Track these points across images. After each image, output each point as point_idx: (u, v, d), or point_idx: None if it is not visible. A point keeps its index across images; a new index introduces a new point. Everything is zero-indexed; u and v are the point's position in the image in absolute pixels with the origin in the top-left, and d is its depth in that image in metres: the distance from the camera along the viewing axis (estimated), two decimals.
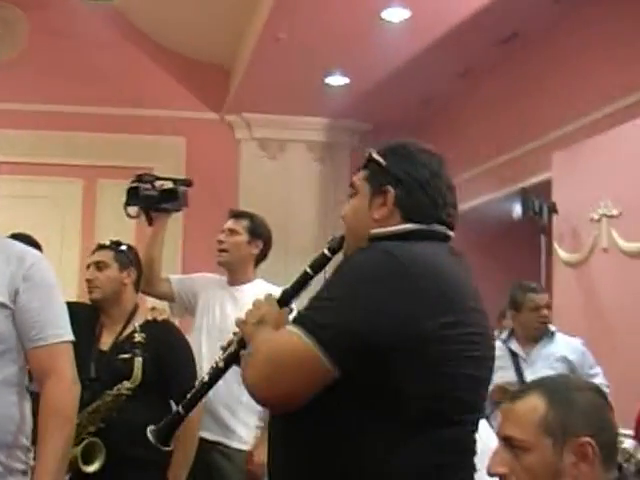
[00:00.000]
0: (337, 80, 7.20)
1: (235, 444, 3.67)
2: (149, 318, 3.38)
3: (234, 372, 2.11)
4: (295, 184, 8.20)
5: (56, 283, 2.56)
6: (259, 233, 3.86)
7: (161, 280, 3.81)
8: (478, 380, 1.90)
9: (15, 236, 3.28)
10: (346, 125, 8.29)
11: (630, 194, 5.25)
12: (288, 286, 2.11)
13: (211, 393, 3.36)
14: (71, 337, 2.52)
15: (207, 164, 8.10)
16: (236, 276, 3.84)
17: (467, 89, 7.33)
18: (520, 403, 1.68)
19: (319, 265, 2.09)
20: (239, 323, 2.03)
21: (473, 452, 1.92)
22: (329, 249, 2.10)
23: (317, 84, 7.25)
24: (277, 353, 1.82)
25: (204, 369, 3.47)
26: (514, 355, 4.57)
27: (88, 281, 3.42)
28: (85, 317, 3.27)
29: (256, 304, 2.04)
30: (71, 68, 8.04)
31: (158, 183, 3.70)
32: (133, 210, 3.67)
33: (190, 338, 3.63)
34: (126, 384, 3.23)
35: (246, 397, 3.55)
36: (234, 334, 2.09)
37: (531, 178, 6.43)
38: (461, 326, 1.83)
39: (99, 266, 3.41)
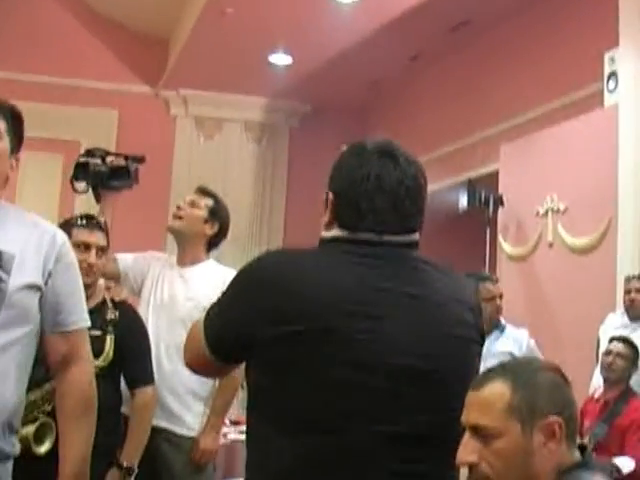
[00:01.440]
0: (280, 59, 7.32)
1: (181, 431, 3.80)
2: (106, 297, 3.50)
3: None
4: (231, 165, 8.30)
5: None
6: (219, 216, 3.95)
7: (108, 259, 3.88)
8: (354, 386, 1.87)
9: None
10: (286, 106, 8.39)
11: (577, 189, 5.49)
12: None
13: (157, 380, 3.57)
14: (89, 322, 2.51)
15: (139, 140, 8.04)
16: (185, 253, 3.91)
17: (416, 75, 7.51)
18: (484, 390, 1.76)
19: None
20: None
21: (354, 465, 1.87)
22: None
23: (260, 62, 7.35)
24: (188, 339, 2.09)
25: (161, 338, 3.70)
26: None
27: None
28: None
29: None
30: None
31: (109, 159, 3.71)
32: (81, 186, 3.68)
33: (149, 313, 3.78)
34: (95, 363, 3.30)
35: (194, 384, 3.75)
36: None
37: (478, 169, 6.66)
38: (314, 333, 1.87)
39: None
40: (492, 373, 1.79)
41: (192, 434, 3.77)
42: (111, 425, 3.45)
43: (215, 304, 2.03)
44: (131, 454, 3.51)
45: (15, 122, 2.37)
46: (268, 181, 8.38)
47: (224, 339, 1.98)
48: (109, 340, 3.34)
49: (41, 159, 8.15)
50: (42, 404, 3.23)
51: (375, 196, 1.99)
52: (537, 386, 1.76)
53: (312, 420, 1.86)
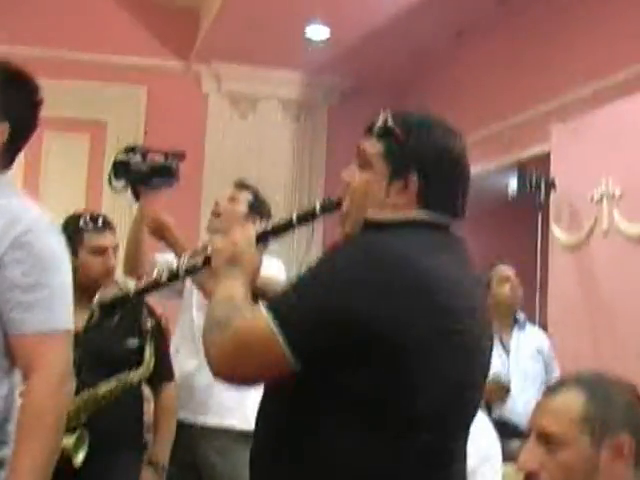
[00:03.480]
0: (318, 31, 7.34)
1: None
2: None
3: None
4: (268, 144, 8.33)
5: (62, 257, 2.36)
6: (259, 210, 4.05)
7: (148, 261, 3.97)
8: (466, 385, 2.01)
9: None
10: (324, 82, 8.40)
11: (633, 173, 5.47)
12: (269, 225, 2.28)
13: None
14: (67, 326, 2.33)
15: (170, 119, 8.13)
16: None
17: (461, 50, 7.50)
18: (558, 397, 1.81)
19: (305, 218, 2.25)
20: (213, 242, 2.21)
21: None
22: (322, 207, 2.23)
23: (296, 35, 7.37)
24: (246, 337, 1.94)
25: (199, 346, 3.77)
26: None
27: None
28: None
29: (232, 234, 2.19)
30: (19, 4, 8.00)
31: (149, 156, 3.79)
32: (119, 184, 3.76)
33: (181, 316, 3.89)
34: (134, 374, 3.44)
35: None
36: (204, 248, 2.27)
37: (528, 150, 6.64)
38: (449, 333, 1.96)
39: None
40: (567, 382, 1.86)
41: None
42: (137, 426, 3.60)
43: (290, 310, 1.94)
44: (163, 451, 3.70)
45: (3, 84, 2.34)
46: (306, 161, 8.42)
47: (323, 338, 1.93)
48: (149, 350, 3.44)
49: (66, 139, 8.24)
50: (80, 413, 3.35)
51: (458, 178, 2.11)
52: (612, 402, 1.81)
53: (425, 418, 1.93)
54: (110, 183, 3.73)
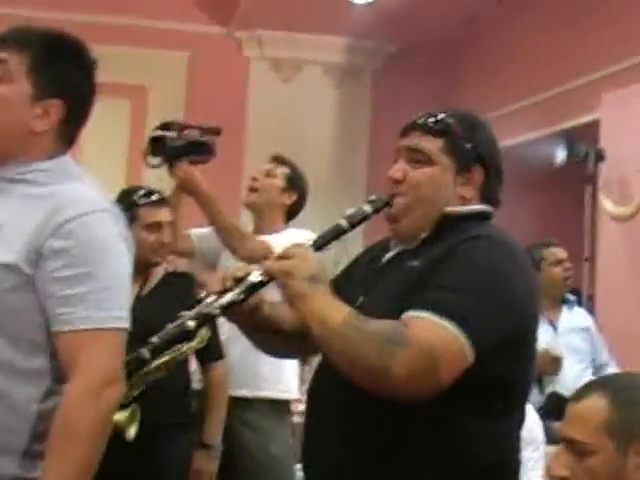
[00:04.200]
0: None
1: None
2: (169, 269, 3.65)
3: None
4: (310, 110, 8.33)
5: (115, 247, 2.18)
6: (296, 185, 4.10)
7: (182, 236, 4.02)
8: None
9: None
10: (368, 47, 8.38)
11: None
12: (319, 236, 2.30)
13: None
14: (119, 323, 2.17)
15: (212, 84, 8.18)
16: (262, 224, 4.05)
17: (510, 14, 7.43)
18: (582, 403, 1.82)
19: (357, 221, 2.28)
20: (278, 267, 2.16)
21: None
22: (373, 208, 2.27)
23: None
24: (433, 348, 1.94)
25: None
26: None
27: None
28: None
29: (301, 253, 2.18)
30: None
31: (185, 132, 3.84)
32: (154, 160, 3.80)
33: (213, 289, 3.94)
34: (188, 345, 3.47)
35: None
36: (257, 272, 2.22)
37: (576, 119, 6.60)
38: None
39: None
40: (592, 386, 1.88)
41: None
42: (185, 403, 3.65)
43: (464, 311, 1.99)
44: (214, 432, 3.74)
45: (51, 58, 2.22)
46: (349, 127, 8.42)
47: (504, 339, 2.05)
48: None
49: (107, 105, 8.24)
50: (130, 389, 3.40)
51: (502, 171, 2.29)
52: (638, 406, 1.80)
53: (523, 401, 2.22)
54: (146, 159, 3.77)
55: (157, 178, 4.26)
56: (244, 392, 3.96)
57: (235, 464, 3.98)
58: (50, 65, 2.19)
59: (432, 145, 2.22)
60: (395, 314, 2.05)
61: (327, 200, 7.74)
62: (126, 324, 2.21)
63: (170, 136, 3.79)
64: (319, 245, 2.25)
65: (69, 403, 2.08)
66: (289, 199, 4.10)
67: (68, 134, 2.27)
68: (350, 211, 2.32)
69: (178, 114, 8.10)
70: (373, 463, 2.09)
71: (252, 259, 3.85)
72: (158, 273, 3.72)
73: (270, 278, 2.21)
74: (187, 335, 2.30)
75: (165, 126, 3.83)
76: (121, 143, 8.29)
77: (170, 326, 2.29)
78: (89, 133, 7.52)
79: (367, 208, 2.28)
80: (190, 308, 3.58)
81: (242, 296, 2.22)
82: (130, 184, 7.35)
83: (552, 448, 3.20)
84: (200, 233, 4.13)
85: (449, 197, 2.22)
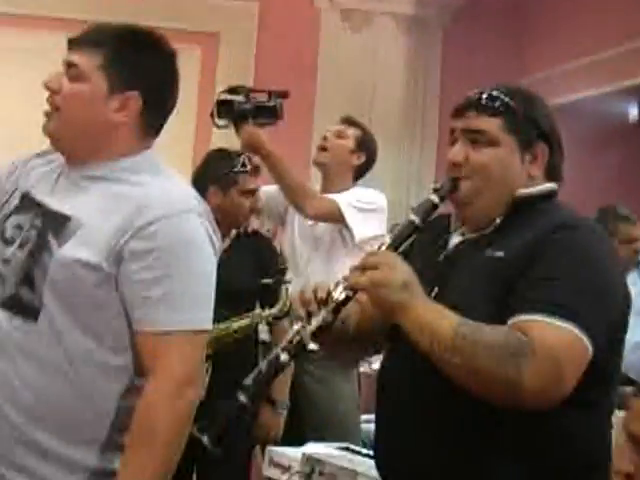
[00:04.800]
0: None
1: None
2: (240, 230, 3.78)
3: None
4: (381, 61, 8.35)
5: (200, 246, 2.19)
6: (366, 147, 4.22)
7: None
8: None
9: None
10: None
11: None
12: (393, 237, 2.21)
13: None
14: (200, 325, 2.17)
15: (282, 34, 8.25)
16: (331, 183, 4.17)
17: None
18: None
19: (428, 213, 2.22)
20: (366, 279, 2.08)
21: None
22: (439, 197, 2.22)
23: None
24: (559, 354, 1.92)
25: (301, 268, 3.95)
26: None
27: None
28: None
29: (387, 260, 2.10)
30: None
31: (252, 96, 3.96)
32: (222, 121, 3.92)
33: (282, 245, 4.07)
34: (268, 311, 3.57)
35: None
36: (339, 284, 2.17)
37: None
38: None
39: None
40: None
41: None
42: (254, 360, 3.78)
43: (584, 310, 1.98)
44: (281, 387, 3.84)
45: (125, 52, 2.25)
46: (420, 78, 8.42)
47: (617, 331, 2.12)
48: (284, 290, 3.59)
49: (178, 51, 8.38)
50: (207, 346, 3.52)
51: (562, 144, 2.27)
52: None
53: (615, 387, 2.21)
54: (213, 120, 3.88)
55: (225, 136, 4.38)
56: (311, 345, 4.05)
57: (302, 418, 4.09)
58: (122, 59, 2.24)
59: (492, 124, 2.18)
60: (483, 309, 2.05)
61: (397, 152, 7.84)
62: (208, 325, 2.22)
63: (238, 100, 3.89)
64: (396, 246, 2.19)
65: (148, 404, 2.11)
66: (358, 160, 4.23)
67: (150, 125, 2.30)
68: (416, 204, 2.27)
69: (249, 61, 8.25)
70: (468, 462, 2.08)
71: (319, 217, 3.97)
72: (231, 233, 3.85)
73: (356, 292, 2.15)
74: (282, 370, 2.21)
75: (233, 90, 3.95)
76: (192, 90, 8.41)
77: (262, 364, 2.21)
78: None
79: (434, 197, 2.22)
80: (263, 268, 3.73)
81: (330, 318, 2.15)
82: (200, 134, 7.55)
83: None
84: (268, 191, 4.24)
85: (517, 177, 2.19)
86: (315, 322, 2.15)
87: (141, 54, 2.28)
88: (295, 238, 4.22)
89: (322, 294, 2.17)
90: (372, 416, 2.44)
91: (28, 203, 2.30)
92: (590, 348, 1.96)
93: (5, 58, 7.76)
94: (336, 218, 4.00)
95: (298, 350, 2.19)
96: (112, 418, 2.18)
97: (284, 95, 4.02)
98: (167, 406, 2.10)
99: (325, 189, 4.22)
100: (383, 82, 8.30)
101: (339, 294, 2.15)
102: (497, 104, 2.19)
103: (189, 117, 7.90)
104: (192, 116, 7.98)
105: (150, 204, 2.15)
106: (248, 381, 2.18)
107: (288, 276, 3.85)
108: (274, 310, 3.66)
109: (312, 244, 4.18)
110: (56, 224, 2.19)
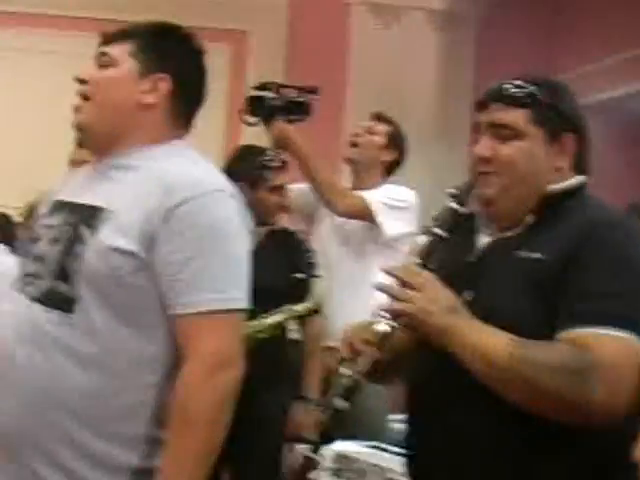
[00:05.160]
0: None
1: None
2: (269, 227, 3.80)
3: None
4: (412, 57, 8.32)
5: (231, 226, 2.21)
6: (397, 143, 4.24)
7: None
8: None
9: None
10: None
11: None
12: (422, 255, 2.15)
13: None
14: (236, 304, 2.20)
15: (312, 30, 8.26)
16: (361, 180, 4.18)
17: None
18: None
19: (450, 222, 2.17)
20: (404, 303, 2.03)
21: None
22: (458, 202, 2.18)
23: None
24: (624, 367, 1.90)
25: (332, 266, 3.95)
26: None
27: None
28: None
29: (426, 283, 2.05)
30: None
31: (283, 92, 3.96)
32: (252, 119, 3.94)
33: (313, 243, 4.09)
34: (301, 307, 3.58)
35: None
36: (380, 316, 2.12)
37: None
38: None
39: None
40: None
41: None
42: (282, 357, 3.78)
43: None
44: (312, 384, 3.86)
45: (154, 40, 2.35)
46: (452, 75, 8.38)
47: None
48: (318, 285, 3.62)
49: (207, 49, 8.42)
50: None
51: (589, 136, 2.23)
52: None
53: None
54: (243, 117, 3.90)
55: (255, 133, 4.41)
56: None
57: None
58: (154, 45, 2.34)
59: (518, 117, 2.15)
60: (527, 313, 2.02)
61: (430, 148, 7.82)
62: (244, 304, 2.23)
63: (268, 96, 3.91)
64: (425, 264, 2.14)
65: (185, 387, 2.13)
66: (389, 156, 4.25)
67: (180, 113, 2.36)
68: (437, 214, 2.23)
69: (279, 59, 8.27)
70: (507, 462, 2.06)
71: (349, 214, 3.98)
72: (261, 230, 3.86)
73: (398, 322, 2.10)
74: (342, 418, 2.15)
75: (263, 86, 3.97)
76: (221, 88, 8.44)
77: (324, 417, 2.16)
78: None
79: (453, 204, 2.19)
80: (294, 265, 3.75)
81: (378, 352, 2.12)
82: (230, 132, 7.57)
83: None
84: (298, 189, 4.25)
85: (545, 170, 2.15)
86: (365, 360, 2.12)
87: (172, 43, 2.38)
88: (326, 236, 4.24)
89: (366, 335, 2.14)
90: (401, 416, 2.47)
91: (57, 206, 2.35)
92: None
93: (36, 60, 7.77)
94: (366, 215, 4.02)
95: (353, 392, 2.15)
96: (150, 412, 2.19)
97: (314, 91, 4.05)
98: (206, 389, 2.10)
99: (355, 186, 4.24)
100: (414, 79, 8.28)
101: (383, 327, 2.11)
102: (523, 95, 2.16)
103: (219, 116, 7.93)
104: (222, 115, 8.00)
105: (177, 186, 2.17)
106: (313, 437, 2.15)
107: (319, 272, 3.86)
108: (307, 305, 3.68)
109: (343, 242, 4.20)
110: (87, 216, 2.22)
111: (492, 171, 2.16)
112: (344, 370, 2.14)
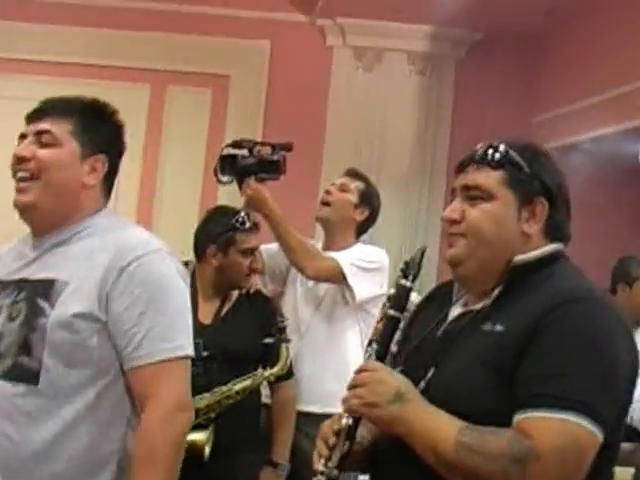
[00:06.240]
0: None
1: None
2: (242, 291, 3.84)
3: None
4: (392, 99, 8.44)
5: (175, 281, 2.39)
6: (369, 201, 4.23)
7: None
8: None
9: None
10: (452, 34, 8.43)
11: None
12: (377, 343, 2.20)
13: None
14: (184, 351, 2.36)
15: (294, 73, 8.39)
16: (333, 239, 4.19)
17: (596, 3, 7.38)
18: None
19: (404, 300, 2.23)
20: (354, 405, 2.11)
21: None
22: (407, 277, 2.23)
23: None
24: (566, 452, 1.91)
25: (303, 329, 3.99)
26: None
27: None
28: None
29: (373, 376, 2.11)
30: None
31: (256, 149, 4.00)
32: (225, 177, 3.97)
33: (284, 303, 4.12)
34: (269, 372, 3.61)
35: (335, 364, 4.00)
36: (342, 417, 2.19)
37: None
38: None
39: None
40: None
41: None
42: (257, 421, 3.83)
43: (589, 396, 1.95)
44: (283, 450, 3.88)
45: (91, 120, 2.47)
46: (432, 116, 8.49)
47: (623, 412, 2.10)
48: (284, 349, 3.66)
49: (188, 94, 8.56)
50: (212, 410, 3.56)
51: (569, 204, 2.22)
52: None
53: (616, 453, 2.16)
54: (217, 176, 3.93)
55: (229, 191, 4.42)
56: (314, 408, 4.05)
57: None
58: (92, 126, 2.45)
59: (490, 178, 2.16)
60: (486, 390, 2.04)
61: (407, 191, 7.91)
62: (191, 352, 2.41)
63: (241, 154, 3.94)
64: (381, 353, 2.20)
65: (147, 429, 2.30)
66: (361, 215, 4.23)
67: (109, 186, 2.53)
68: (391, 293, 2.26)
69: (259, 103, 8.38)
70: None
71: (320, 278, 4.02)
72: (234, 294, 3.90)
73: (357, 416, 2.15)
74: None
75: (237, 144, 3.98)
76: (202, 131, 8.52)
77: None
78: (171, 121, 7.88)
79: (405, 282, 2.23)
80: (264, 329, 3.77)
81: (347, 445, 2.18)
82: (208, 181, 7.59)
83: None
84: (269, 249, 4.26)
85: (513, 234, 2.15)
86: (337, 455, 2.18)
87: (104, 123, 2.51)
88: (297, 298, 4.24)
89: (337, 427, 2.21)
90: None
91: (4, 285, 2.46)
92: (600, 436, 1.96)
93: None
94: (337, 278, 4.03)
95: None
96: (117, 459, 2.35)
97: (288, 148, 4.04)
98: (166, 430, 2.29)
99: (328, 245, 4.24)
100: (394, 120, 8.39)
101: (345, 421, 2.19)
102: (498, 156, 2.16)
103: (198, 161, 8.04)
104: (201, 163, 8.09)
105: (127, 247, 2.36)
106: None
107: (289, 336, 3.88)
108: (275, 370, 3.70)
109: (314, 303, 4.20)
110: (43, 289, 2.35)
111: (460, 233, 2.18)
112: (321, 467, 2.21)
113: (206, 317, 3.76)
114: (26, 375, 2.33)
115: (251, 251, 3.86)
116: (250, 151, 3.97)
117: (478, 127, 7.64)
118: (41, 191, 2.41)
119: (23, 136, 2.47)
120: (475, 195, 2.17)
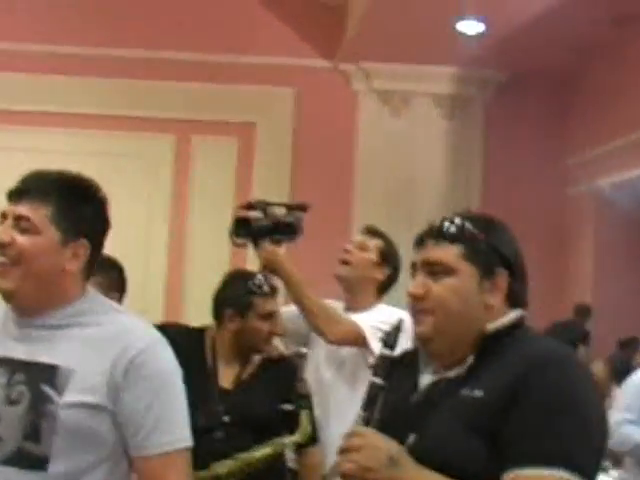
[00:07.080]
0: (471, 26, 7.46)
1: None
2: (264, 355, 3.81)
3: None
4: (420, 143, 8.47)
5: (176, 372, 2.43)
6: (390, 259, 4.14)
7: None
8: None
9: None
10: (479, 75, 8.47)
11: None
12: (364, 405, 2.22)
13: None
14: (188, 443, 2.39)
15: (319, 119, 8.44)
16: (354, 299, 4.11)
17: (624, 41, 7.43)
18: None
19: (386, 368, 2.24)
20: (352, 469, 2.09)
21: None
22: (387, 346, 2.27)
23: (447, 29, 7.50)
24: None
25: (325, 391, 3.96)
26: None
27: None
28: (192, 345, 3.64)
29: (366, 442, 2.12)
30: (163, 9, 8.46)
31: (270, 210, 3.90)
32: (240, 240, 3.92)
33: (308, 367, 4.08)
34: (289, 439, 3.58)
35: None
36: None
37: None
38: None
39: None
40: None
41: None
42: None
43: (576, 455, 2.00)
44: None
45: (72, 203, 2.41)
46: (462, 159, 8.51)
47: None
48: (305, 416, 3.61)
49: (214, 143, 8.63)
50: (227, 477, 3.52)
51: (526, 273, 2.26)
52: None
53: None
54: (232, 238, 3.88)
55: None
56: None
57: None
58: (71, 210, 2.39)
59: (449, 253, 2.18)
60: (470, 453, 2.07)
61: None
62: (191, 441, 2.41)
63: (255, 217, 3.90)
64: (368, 416, 2.22)
65: None
66: (382, 274, 4.13)
67: (90, 270, 2.47)
68: (372, 361, 2.33)
69: (286, 149, 8.41)
70: None
71: (340, 342, 3.96)
72: (256, 358, 3.87)
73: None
74: None
75: (250, 205, 3.93)
76: (229, 181, 8.56)
77: None
78: (197, 170, 7.93)
79: (384, 350, 2.28)
80: (284, 396, 3.74)
81: None
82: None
83: None
84: (288, 313, 4.21)
85: (477, 306, 2.18)
86: None
87: (85, 204, 2.43)
88: (319, 360, 4.19)
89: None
90: None
91: None
92: None
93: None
94: (358, 342, 3.95)
95: None
96: None
97: (303, 208, 3.98)
98: None
99: (349, 305, 4.15)
100: (424, 164, 8.41)
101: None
102: (455, 231, 2.19)
103: (225, 212, 8.05)
104: (228, 210, 8.10)
105: (131, 339, 2.34)
106: None
107: (310, 401, 3.82)
108: (295, 437, 3.65)
109: (337, 366, 4.15)
110: (46, 375, 2.35)
111: (425, 309, 2.20)
112: None
113: (227, 382, 3.72)
114: (34, 462, 2.33)
115: (270, 315, 3.80)
116: (264, 212, 3.92)
117: (512, 168, 7.64)
118: (21, 278, 2.37)
119: (4, 215, 2.43)
120: (437, 270, 2.18)
